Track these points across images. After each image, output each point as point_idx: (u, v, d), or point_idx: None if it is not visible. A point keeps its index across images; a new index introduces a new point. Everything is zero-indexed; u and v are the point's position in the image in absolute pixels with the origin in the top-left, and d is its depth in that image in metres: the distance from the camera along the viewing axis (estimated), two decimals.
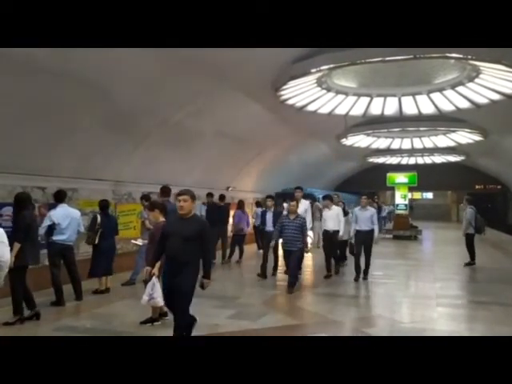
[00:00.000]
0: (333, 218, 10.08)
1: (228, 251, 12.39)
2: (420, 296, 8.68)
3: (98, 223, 7.94)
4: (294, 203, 8.80)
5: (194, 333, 5.04)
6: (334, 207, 10.39)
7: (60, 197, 7.58)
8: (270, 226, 10.46)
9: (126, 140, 12.47)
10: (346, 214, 11.05)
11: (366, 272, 9.83)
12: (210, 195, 12.81)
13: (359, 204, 10.21)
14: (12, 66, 8.09)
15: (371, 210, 9.93)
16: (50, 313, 6.67)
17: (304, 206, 9.75)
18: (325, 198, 10.74)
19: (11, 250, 5.91)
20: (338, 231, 9.98)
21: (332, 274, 10.09)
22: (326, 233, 10.18)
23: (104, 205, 8.32)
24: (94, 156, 10.28)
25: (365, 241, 9.69)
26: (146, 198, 9.13)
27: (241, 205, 13.03)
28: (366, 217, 9.73)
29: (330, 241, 10.04)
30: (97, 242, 7.91)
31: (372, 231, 9.70)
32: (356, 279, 9.67)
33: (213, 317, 6.45)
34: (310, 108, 16.41)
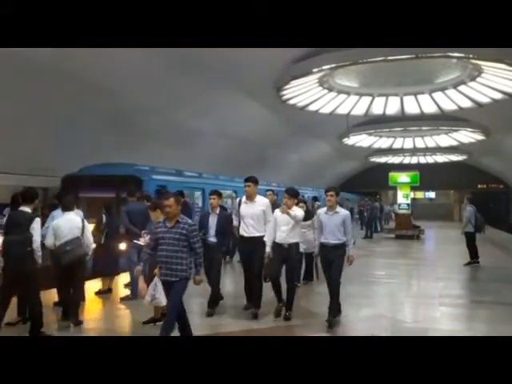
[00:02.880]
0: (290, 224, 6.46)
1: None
2: (423, 295, 8.66)
3: (103, 223, 7.96)
4: (169, 202, 4.84)
5: (196, 333, 5.04)
6: (297, 209, 6.61)
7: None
8: (212, 236, 6.83)
9: (128, 140, 12.52)
10: (309, 217, 8.24)
11: (333, 312, 6.32)
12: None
13: (327, 204, 6.57)
14: (15, 66, 8.14)
15: (343, 213, 6.42)
16: (53, 313, 6.68)
17: (261, 205, 6.74)
18: (288, 191, 6.63)
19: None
20: (297, 244, 6.56)
21: (284, 306, 6.61)
22: (277, 247, 6.42)
23: (109, 206, 8.32)
24: (95, 156, 10.28)
25: (332, 261, 6.32)
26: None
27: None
28: (334, 223, 6.33)
29: (286, 258, 6.42)
30: (103, 241, 7.93)
31: (343, 246, 6.36)
32: (330, 321, 6.17)
33: (215, 317, 6.46)
34: (312, 108, 16.43)
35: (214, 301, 6.79)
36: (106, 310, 7.14)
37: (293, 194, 6.55)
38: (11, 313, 6.14)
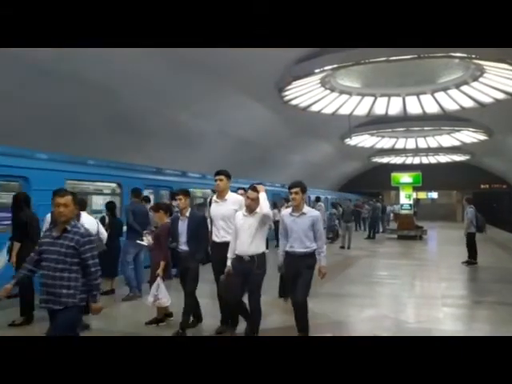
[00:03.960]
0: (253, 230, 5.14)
1: None
2: (425, 296, 8.65)
3: (105, 224, 7.99)
4: (63, 200, 3.69)
5: (198, 333, 5.05)
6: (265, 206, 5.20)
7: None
8: (183, 243, 5.78)
9: (130, 140, 12.54)
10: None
11: (303, 331, 5.12)
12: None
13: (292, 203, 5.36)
14: (16, 67, 8.16)
15: (311, 215, 5.24)
16: None
17: (232, 203, 5.72)
18: (252, 188, 5.24)
19: (12, 249, 5.99)
20: (262, 256, 5.14)
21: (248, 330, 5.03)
22: (237, 261, 5.18)
23: (112, 206, 8.34)
24: (98, 156, 10.29)
25: (299, 273, 5.13)
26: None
27: None
28: (301, 228, 5.17)
29: (247, 274, 5.10)
30: (105, 242, 7.95)
31: (313, 255, 5.20)
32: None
33: (217, 318, 6.46)
34: (314, 108, 16.44)
35: (189, 312, 5.71)
36: (109, 310, 7.15)
37: (256, 190, 5.15)
38: (15, 313, 6.18)
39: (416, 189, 24.80)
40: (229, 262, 5.23)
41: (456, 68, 12.97)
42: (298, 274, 5.13)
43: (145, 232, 6.88)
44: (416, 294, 8.93)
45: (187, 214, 5.76)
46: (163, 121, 13.10)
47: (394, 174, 22.23)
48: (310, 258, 5.18)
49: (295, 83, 12.80)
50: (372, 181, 36.73)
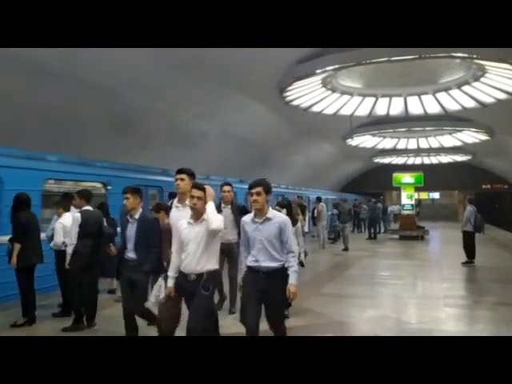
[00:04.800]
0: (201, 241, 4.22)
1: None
2: (427, 296, 8.63)
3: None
4: None
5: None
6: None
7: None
8: (131, 250, 4.92)
9: (132, 141, 12.55)
10: (292, 223, 5.96)
11: None
12: None
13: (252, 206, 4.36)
14: (16, 67, 8.17)
15: (278, 220, 4.21)
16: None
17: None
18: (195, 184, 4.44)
19: (12, 250, 6.00)
20: (212, 273, 4.19)
21: None
22: (180, 280, 4.26)
23: (105, 207, 8.30)
24: (100, 156, 10.30)
25: (265, 294, 4.14)
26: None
27: None
28: (265, 236, 4.17)
29: (191, 295, 4.17)
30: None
31: (282, 271, 4.17)
32: None
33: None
34: (316, 109, 16.44)
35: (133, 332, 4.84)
36: (110, 310, 7.15)
37: (199, 187, 4.15)
38: (17, 314, 6.18)
39: (417, 189, 24.77)
40: (170, 283, 4.29)
41: (457, 68, 12.95)
42: (265, 295, 4.11)
43: None
44: (418, 295, 8.91)
45: (136, 216, 4.92)
46: (164, 121, 13.12)
47: (395, 175, 22.21)
48: (279, 273, 4.15)
49: (296, 84, 12.80)
50: (373, 181, 36.70)
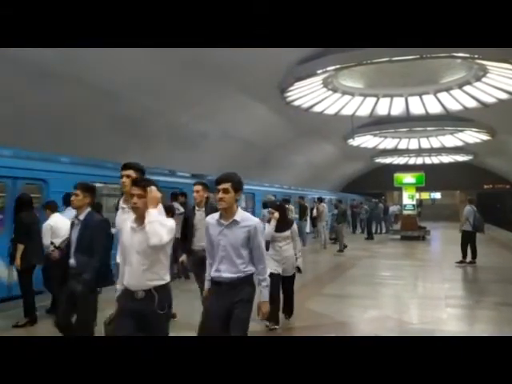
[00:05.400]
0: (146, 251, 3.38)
1: None
2: (429, 297, 8.62)
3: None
4: None
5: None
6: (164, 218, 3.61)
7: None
8: (72, 256, 4.33)
9: (132, 142, 12.56)
10: (287, 225, 6.18)
11: None
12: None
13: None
14: (17, 68, 8.19)
15: (247, 223, 3.53)
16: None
17: None
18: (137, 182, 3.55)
19: (15, 251, 6.00)
20: (163, 288, 3.34)
21: None
22: (127, 296, 3.42)
23: (98, 207, 8.24)
24: (102, 157, 10.32)
25: (229, 311, 3.46)
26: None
27: None
28: (230, 242, 3.51)
29: (139, 318, 3.32)
30: None
31: (247, 283, 3.54)
32: None
33: None
34: (317, 109, 16.44)
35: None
36: (111, 311, 7.15)
37: (138, 184, 3.35)
38: (18, 315, 6.19)
39: (419, 189, 24.76)
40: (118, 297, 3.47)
41: (459, 68, 12.95)
42: (229, 312, 3.42)
43: None
44: (419, 295, 8.90)
45: (81, 217, 4.31)
46: (165, 122, 13.12)
47: (396, 175, 22.21)
48: (244, 286, 3.48)
49: (297, 84, 12.80)
50: (375, 181, 36.69)
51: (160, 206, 3.37)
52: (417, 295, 8.83)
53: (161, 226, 3.18)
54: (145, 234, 3.18)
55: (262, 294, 3.57)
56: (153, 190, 3.29)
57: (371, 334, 5.85)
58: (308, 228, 16.00)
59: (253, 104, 14.75)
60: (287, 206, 16.40)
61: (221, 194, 3.44)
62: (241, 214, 3.55)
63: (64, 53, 7.70)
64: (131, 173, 4.00)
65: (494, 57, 10.65)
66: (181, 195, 10.70)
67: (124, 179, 4.00)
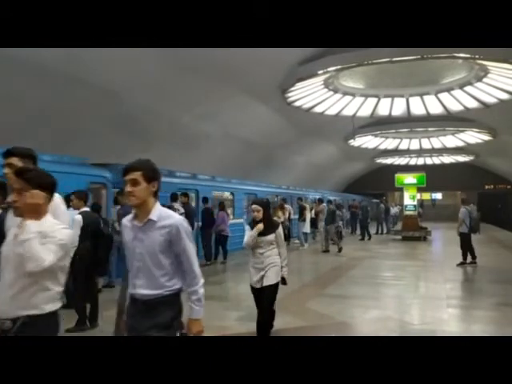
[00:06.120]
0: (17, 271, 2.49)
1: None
2: (430, 297, 8.61)
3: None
4: None
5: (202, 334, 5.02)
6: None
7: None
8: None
9: (134, 142, 12.56)
10: (271, 228, 5.15)
11: None
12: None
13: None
14: (18, 68, 8.19)
15: (167, 223, 2.71)
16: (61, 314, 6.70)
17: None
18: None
19: None
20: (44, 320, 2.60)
21: None
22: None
23: (97, 208, 8.26)
24: (105, 157, 10.33)
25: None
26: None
27: (222, 206, 12.63)
28: (147, 249, 2.72)
29: None
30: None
31: (169, 303, 2.78)
32: None
33: (221, 318, 6.44)
34: (318, 109, 16.44)
35: None
36: (111, 312, 7.15)
37: (19, 174, 2.47)
38: None
39: (420, 190, 24.74)
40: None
41: (460, 68, 12.95)
42: None
43: None
44: (420, 295, 8.89)
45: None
46: (166, 123, 13.13)
47: (398, 175, 22.19)
48: (163, 309, 2.77)
49: (299, 84, 12.81)
50: (376, 182, 36.69)
51: (58, 207, 2.72)
52: (418, 295, 8.82)
53: (42, 244, 2.32)
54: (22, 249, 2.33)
55: (193, 310, 2.84)
56: (30, 195, 2.39)
57: (372, 334, 5.84)
58: (308, 228, 15.98)
59: (254, 104, 14.75)
60: (286, 206, 16.54)
61: (129, 187, 2.67)
62: (158, 212, 2.73)
63: (64, 53, 7.70)
64: (15, 161, 3.01)
65: (495, 57, 10.64)
66: (183, 196, 10.74)
67: (6, 170, 2.97)
